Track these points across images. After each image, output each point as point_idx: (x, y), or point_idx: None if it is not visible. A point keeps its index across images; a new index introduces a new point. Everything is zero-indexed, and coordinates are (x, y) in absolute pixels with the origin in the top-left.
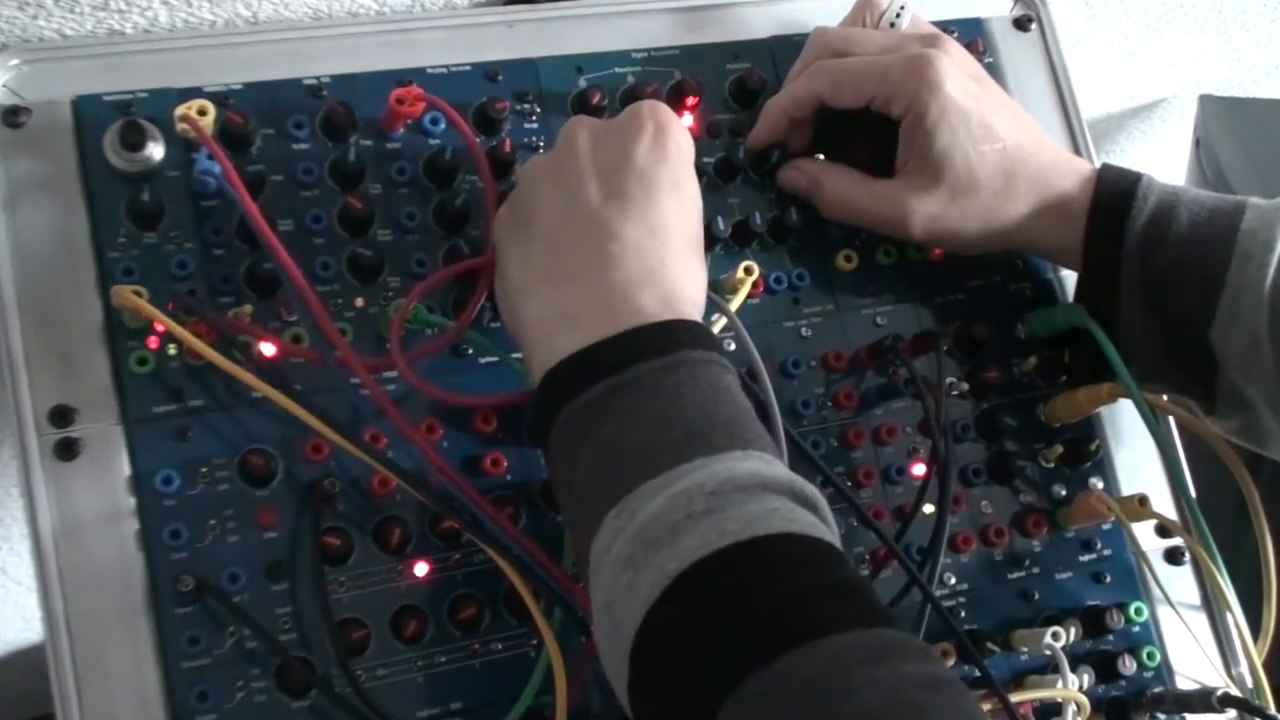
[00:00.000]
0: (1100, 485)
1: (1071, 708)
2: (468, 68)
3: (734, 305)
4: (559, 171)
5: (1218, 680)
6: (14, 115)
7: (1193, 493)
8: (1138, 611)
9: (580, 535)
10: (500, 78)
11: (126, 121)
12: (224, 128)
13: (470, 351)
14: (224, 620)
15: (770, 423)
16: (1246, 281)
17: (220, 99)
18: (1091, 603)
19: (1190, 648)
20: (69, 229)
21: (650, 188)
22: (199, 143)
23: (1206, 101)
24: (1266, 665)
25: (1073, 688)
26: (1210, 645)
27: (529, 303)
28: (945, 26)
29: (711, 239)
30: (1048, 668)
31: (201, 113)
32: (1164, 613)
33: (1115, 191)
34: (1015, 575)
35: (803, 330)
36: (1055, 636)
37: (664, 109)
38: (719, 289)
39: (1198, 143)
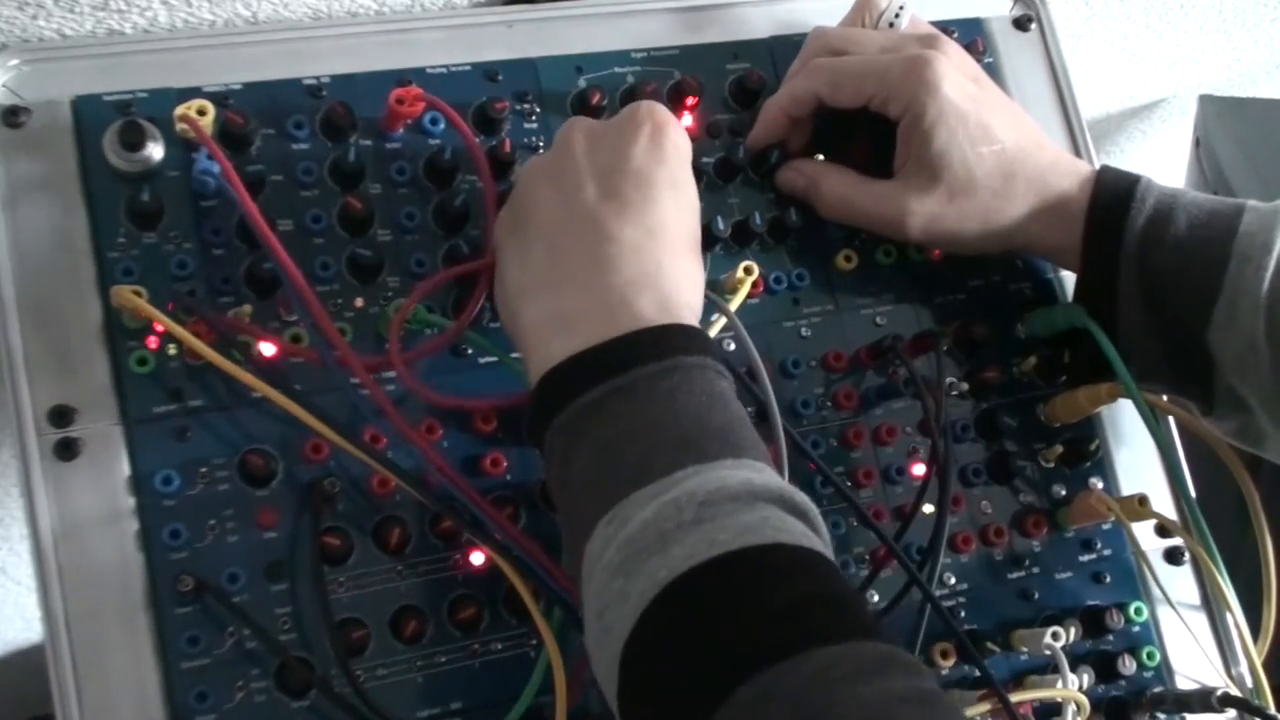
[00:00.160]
0: (1100, 485)
1: (1071, 708)
2: (468, 68)
3: (734, 305)
4: (556, 172)
5: (1218, 680)
6: (14, 115)
7: (1193, 493)
8: (1138, 611)
9: (574, 539)
10: (500, 78)
11: (126, 121)
12: (224, 128)
13: (470, 351)
14: (224, 620)
15: (770, 423)
16: (1244, 284)
17: (220, 99)
18: (1091, 603)
19: (1190, 648)
20: (69, 229)
21: (647, 189)
22: (199, 143)
23: (1206, 101)
24: (1266, 665)
25: (1073, 688)
26: (1210, 645)
27: (527, 305)
28: (945, 26)
29: (711, 239)
30: (1048, 668)
31: (201, 113)
32: (1164, 613)
33: (1114, 193)
34: (1015, 575)
35: (802, 330)
36: (1055, 636)
37: (661, 109)
38: (719, 289)
39: (1198, 143)
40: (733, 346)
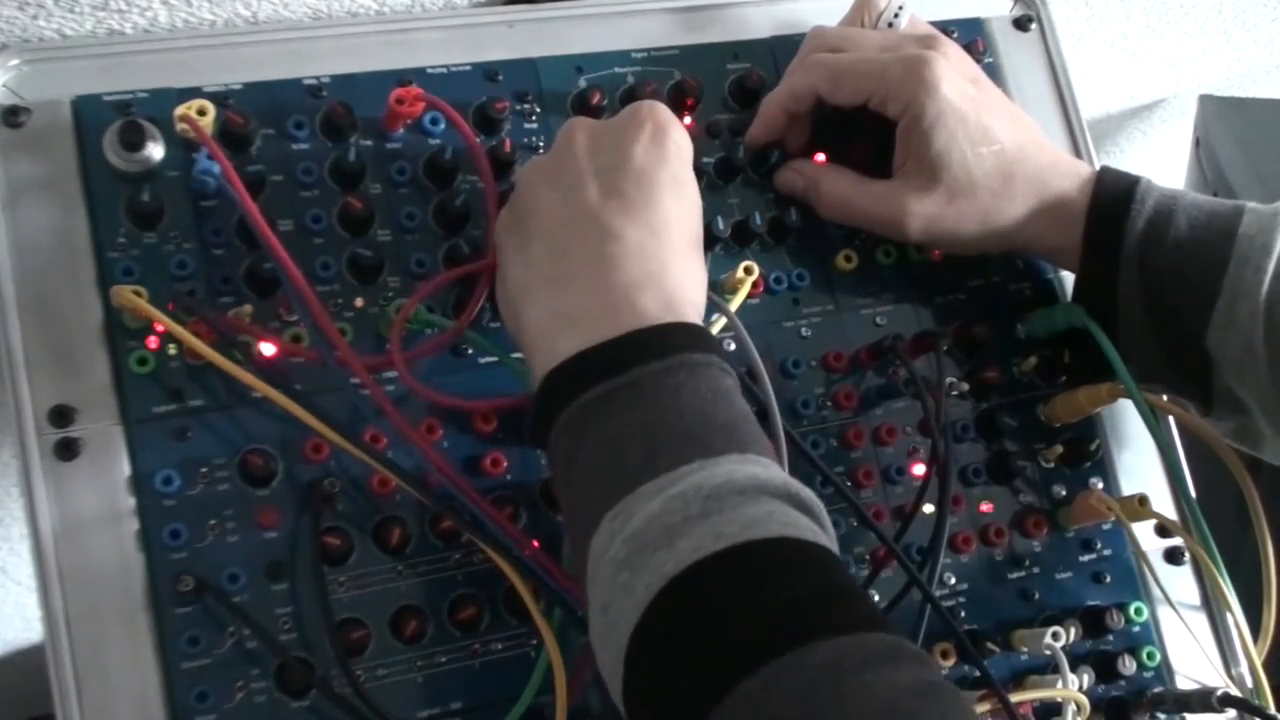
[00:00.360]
0: (1100, 485)
1: (1071, 708)
2: (468, 68)
3: (734, 305)
4: (557, 172)
5: (1218, 680)
6: (14, 115)
7: (1193, 493)
8: (1138, 611)
9: (578, 536)
10: (500, 78)
11: (126, 121)
12: (224, 128)
13: (470, 351)
14: (224, 620)
15: (770, 423)
16: (1243, 286)
17: (220, 99)
18: (1091, 603)
19: (1190, 648)
20: (69, 229)
21: (649, 188)
22: (199, 143)
23: (1206, 101)
24: (1266, 665)
25: (1073, 688)
26: (1210, 645)
27: (529, 305)
28: (945, 26)
29: (711, 239)
30: (1048, 668)
31: (201, 113)
32: (1164, 613)
33: (1114, 194)
34: (1015, 575)
35: (803, 330)
36: (1055, 636)
37: (662, 109)
38: (719, 289)
39: (1198, 143)
40: (733, 346)
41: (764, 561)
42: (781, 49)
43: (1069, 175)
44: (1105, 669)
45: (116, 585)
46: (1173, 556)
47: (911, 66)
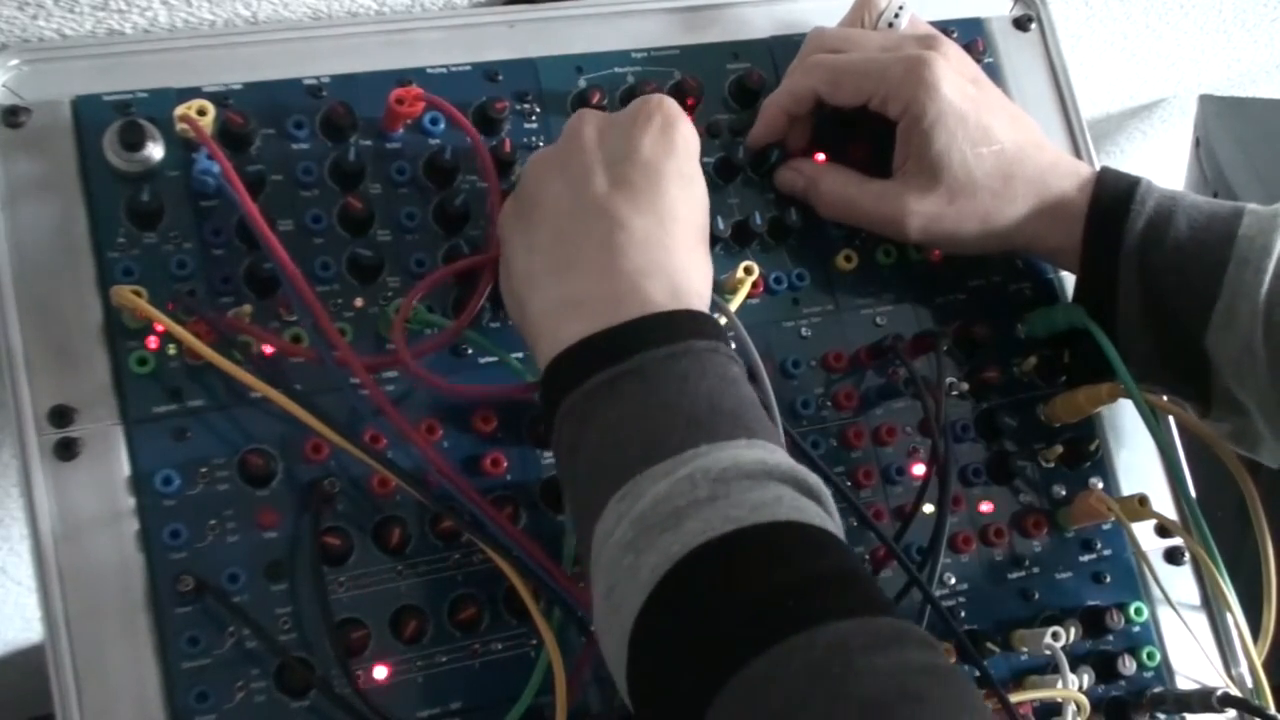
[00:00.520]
0: (1100, 485)
1: (1071, 708)
2: (468, 68)
3: (734, 305)
4: (565, 161)
5: (1218, 680)
6: (14, 115)
7: (1193, 493)
8: (1138, 611)
9: (583, 521)
10: (500, 78)
11: (126, 121)
12: (224, 128)
13: (470, 351)
14: (224, 620)
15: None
16: (1243, 287)
17: (220, 99)
18: (1091, 603)
19: (1190, 648)
20: (69, 229)
21: (657, 179)
22: (199, 143)
23: (1206, 101)
24: (1266, 665)
25: (1073, 688)
26: (1210, 645)
27: (535, 292)
28: (945, 26)
29: (711, 239)
30: (1048, 668)
31: (201, 113)
32: (1164, 613)
33: (1114, 194)
34: (1015, 575)
35: (802, 330)
36: (1055, 636)
37: (671, 103)
38: (719, 289)
39: (1198, 143)
40: (733, 346)
41: (772, 545)
42: (781, 49)
43: (1069, 175)
44: (1105, 669)
45: (116, 585)
46: (1173, 556)
47: (911, 67)
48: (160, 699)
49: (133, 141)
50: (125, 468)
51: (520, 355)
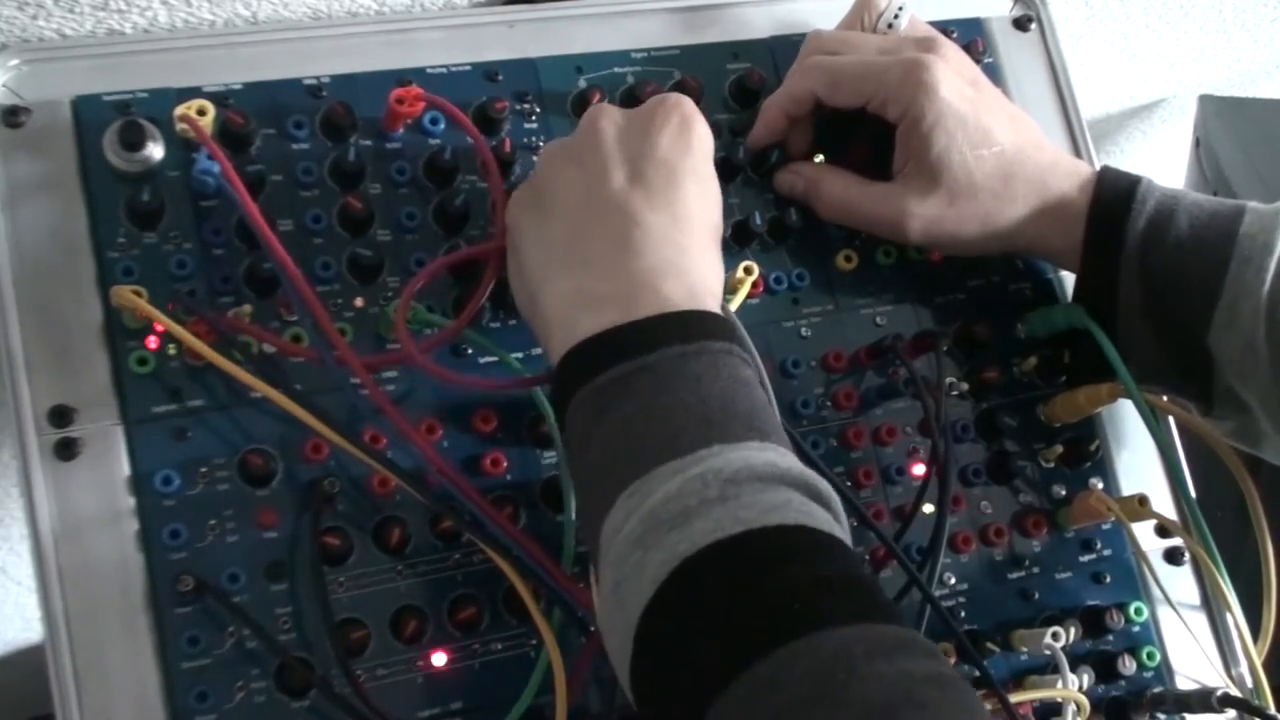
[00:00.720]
0: (1100, 485)
1: (1071, 708)
2: (468, 68)
3: (734, 305)
4: (582, 155)
5: (1218, 680)
6: (14, 115)
7: (1193, 493)
8: (1138, 611)
9: (591, 516)
10: (500, 78)
11: (126, 121)
12: (224, 127)
13: (470, 351)
14: (224, 620)
15: None
16: (1245, 285)
17: (220, 99)
18: (1091, 603)
19: (1190, 648)
20: (69, 229)
21: (674, 177)
22: (199, 143)
23: (1206, 101)
24: (1266, 665)
25: (1073, 688)
26: (1210, 645)
27: (548, 284)
28: (945, 27)
29: None
30: (1048, 668)
31: (201, 113)
32: (1164, 613)
33: (1115, 194)
34: (1015, 575)
35: (802, 330)
36: (1055, 636)
37: (688, 102)
38: None
39: (1198, 143)
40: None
41: (780, 548)
42: (781, 49)
43: (1069, 176)
44: (1105, 669)
45: (116, 585)
46: (1173, 556)
47: (910, 70)
48: (160, 699)
49: (133, 141)
50: (125, 468)
51: (520, 355)
